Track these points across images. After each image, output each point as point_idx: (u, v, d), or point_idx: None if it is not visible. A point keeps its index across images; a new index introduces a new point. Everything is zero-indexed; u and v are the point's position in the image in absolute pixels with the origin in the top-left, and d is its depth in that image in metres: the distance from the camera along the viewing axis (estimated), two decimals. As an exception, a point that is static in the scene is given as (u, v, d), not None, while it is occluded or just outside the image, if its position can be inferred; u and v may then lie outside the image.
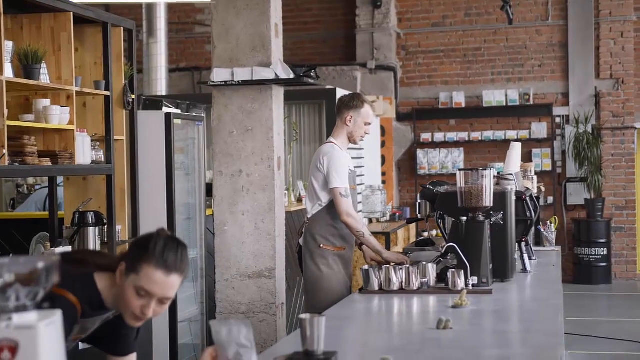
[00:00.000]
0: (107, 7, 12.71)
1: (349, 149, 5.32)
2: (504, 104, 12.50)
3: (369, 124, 5.23)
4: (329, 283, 5.08)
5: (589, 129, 12.16)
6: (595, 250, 12.02)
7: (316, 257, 5.10)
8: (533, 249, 5.63)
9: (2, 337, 1.68)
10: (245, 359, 2.53)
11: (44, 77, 4.78)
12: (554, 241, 6.41)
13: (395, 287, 4.19)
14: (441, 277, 4.31)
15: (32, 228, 5.91)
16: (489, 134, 12.54)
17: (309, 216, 5.21)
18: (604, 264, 12.06)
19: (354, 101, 5.21)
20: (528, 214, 4.94)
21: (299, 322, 2.68)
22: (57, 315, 1.76)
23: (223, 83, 5.71)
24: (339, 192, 4.99)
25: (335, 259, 5.10)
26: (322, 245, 5.10)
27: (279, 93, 5.88)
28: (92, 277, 2.63)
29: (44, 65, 4.77)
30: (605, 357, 7.86)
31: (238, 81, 5.67)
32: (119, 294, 2.59)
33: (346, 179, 5.04)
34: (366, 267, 4.32)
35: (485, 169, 4.37)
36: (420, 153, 12.73)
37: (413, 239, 10.39)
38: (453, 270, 4.18)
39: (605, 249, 12.05)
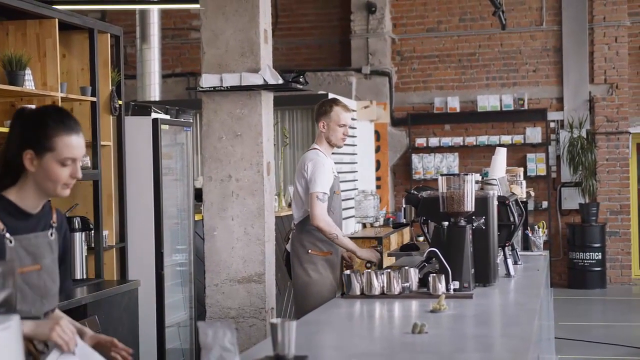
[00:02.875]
0: (102, 13, 12.76)
1: (333, 153, 5.36)
2: (499, 108, 12.52)
3: (344, 125, 5.29)
4: (318, 288, 5.12)
5: (584, 134, 12.17)
6: (589, 255, 12.03)
7: (305, 263, 5.15)
8: (520, 253, 5.64)
9: (-43, 341, 1.69)
10: None
11: (29, 83, 4.81)
12: (541, 246, 6.43)
13: (377, 291, 4.20)
14: (424, 281, 4.32)
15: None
16: (483, 139, 12.56)
17: (295, 222, 5.28)
18: (598, 269, 12.07)
19: (323, 107, 5.35)
20: (511, 218, 4.95)
21: (270, 327, 2.70)
22: (13, 321, 1.78)
23: (212, 89, 5.74)
24: (316, 196, 5.08)
25: (324, 264, 5.15)
26: (310, 251, 5.15)
27: (268, 98, 5.91)
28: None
29: (28, 71, 4.80)
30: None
31: (227, 87, 5.69)
32: (37, 181, 2.66)
33: (327, 185, 5.11)
34: (348, 271, 4.34)
35: (467, 174, 4.38)
36: (415, 158, 12.74)
37: (407, 244, 10.39)
38: (434, 274, 4.20)
39: (600, 253, 12.05)
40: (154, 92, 10.38)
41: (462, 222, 4.36)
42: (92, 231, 5.44)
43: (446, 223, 4.36)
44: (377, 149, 12.25)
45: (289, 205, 8.01)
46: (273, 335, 2.72)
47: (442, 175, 4.42)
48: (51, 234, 2.77)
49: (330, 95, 9.83)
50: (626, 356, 8.02)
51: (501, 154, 5.55)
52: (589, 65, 12.42)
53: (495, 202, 4.64)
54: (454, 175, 4.39)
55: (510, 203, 4.97)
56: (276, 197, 7.70)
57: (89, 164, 5.41)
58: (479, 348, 3.13)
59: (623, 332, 9.25)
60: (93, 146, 5.45)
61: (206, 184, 5.77)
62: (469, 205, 4.35)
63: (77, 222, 5.28)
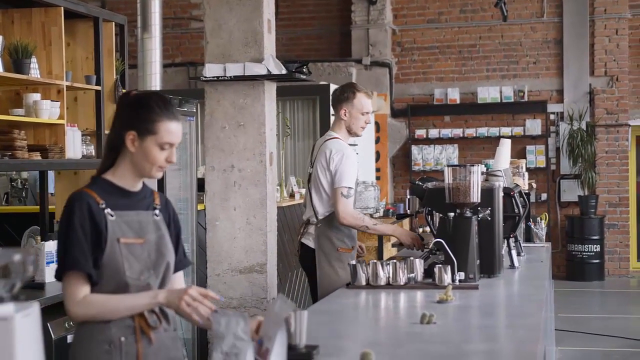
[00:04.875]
0: (103, 2, 12.73)
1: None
2: (499, 100, 12.53)
3: (366, 113, 5.10)
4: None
5: (583, 126, 12.18)
6: (588, 247, 12.06)
7: (333, 261, 4.98)
8: (523, 245, 5.65)
9: (-22, 328, 1.70)
10: (241, 352, 2.58)
11: (34, 72, 4.80)
12: (543, 237, 6.44)
13: (382, 282, 4.21)
14: (429, 272, 4.33)
15: (24, 222, 5.92)
16: (483, 131, 12.57)
17: (319, 217, 5.05)
18: (597, 261, 12.10)
19: (345, 93, 5.11)
20: (516, 210, 4.95)
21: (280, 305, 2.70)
22: (34, 308, 1.78)
23: (215, 78, 5.73)
24: (340, 192, 4.88)
25: (349, 260, 5.05)
26: (339, 249, 5.00)
27: (271, 88, 5.90)
28: (99, 177, 2.85)
29: (34, 59, 4.79)
30: (595, 353, 7.89)
31: (230, 76, 5.68)
32: (135, 162, 2.80)
33: (352, 179, 4.92)
34: (354, 262, 4.34)
35: (473, 166, 4.38)
36: (414, 149, 12.75)
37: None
38: (440, 265, 4.20)
39: (599, 245, 12.08)
40: (155, 81, 10.30)
41: (468, 213, 4.37)
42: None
43: (452, 214, 4.36)
44: (377, 140, 12.25)
45: (291, 196, 8.01)
46: (285, 325, 2.72)
47: (448, 166, 4.42)
48: (156, 215, 2.89)
49: (333, 87, 9.82)
50: (625, 348, 8.05)
51: (506, 146, 5.55)
52: (589, 57, 12.42)
53: (501, 194, 4.64)
54: (460, 166, 4.39)
55: (515, 194, 4.97)
56: (277, 187, 7.70)
57: (94, 153, 5.41)
58: (488, 338, 3.14)
59: (621, 324, 9.28)
60: (97, 135, 5.45)
61: (208, 174, 5.77)
62: (475, 197, 4.35)
63: (81, 211, 5.26)
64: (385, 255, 8.68)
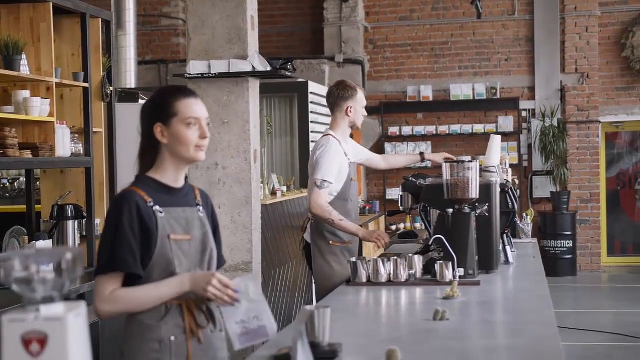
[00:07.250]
0: (71, -2, 12.54)
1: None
2: (471, 97, 12.58)
3: (364, 106, 5.26)
4: (341, 279, 4.99)
5: (555, 123, 12.28)
6: (560, 243, 12.16)
7: (326, 255, 5.04)
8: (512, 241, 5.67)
9: (31, 329, 1.66)
10: (260, 312, 2.54)
11: (24, 69, 4.71)
12: (530, 233, 6.48)
13: (383, 279, 4.20)
14: (427, 269, 4.32)
15: (7, 222, 5.82)
16: (456, 128, 12.61)
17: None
18: (569, 256, 12.21)
19: (347, 91, 5.16)
20: (511, 205, 4.97)
21: (304, 314, 2.66)
22: (82, 307, 1.74)
23: (199, 75, 5.67)
24: (314, 182, 4.95)
25: (345, 254, 5.05)
26: (331, 242, 5.04)
27: (255, 86, 5.87)
28: (143, 176, 2.85)
29: (24, 56, 4.70)
30: (575, 348, 7.95)
31: (215, 73, 5.63)
32: (172, 150, 2.79)
33: (329, 172, 4.96)
34: (354, 259, 4.32)
35: (471, 161, 4.38)
36: (388, 147, 12.76)
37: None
38: (441, 262, 4.19)
39: (571, 241, 12.19)
40: (130, 79, 10.24)
41: (467, 209, 4.36)
42: (85, 219, 5.34)
43: (450, 210, 4.36)
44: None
45: (273, 194, 7.96)
46: (308, 323, 2.69)
47: (446, 162, 4.41)
48: (200, 211, 2.89)
49: (311, 84, 9.81)
50: (606, 342, 8.13)
51: (496, 142, 5.57)
52: (560, 54, 12.52)
53: (498, 189, 4.65)
54: (458, 162, 4.38)
55: (509, 190, 4.99)
56: (260, 185, 7.65)
57: (82, 151, 5.32)
58: (507, 334, 3.13)
59: (596, 318, 9.38)
60: (85, 133, 5.36)
61: (192, 172, 5.72)
62: (474, 192, 4.35)
63: (69, 210, 5.19)
64: (365, 253, 8.67)
